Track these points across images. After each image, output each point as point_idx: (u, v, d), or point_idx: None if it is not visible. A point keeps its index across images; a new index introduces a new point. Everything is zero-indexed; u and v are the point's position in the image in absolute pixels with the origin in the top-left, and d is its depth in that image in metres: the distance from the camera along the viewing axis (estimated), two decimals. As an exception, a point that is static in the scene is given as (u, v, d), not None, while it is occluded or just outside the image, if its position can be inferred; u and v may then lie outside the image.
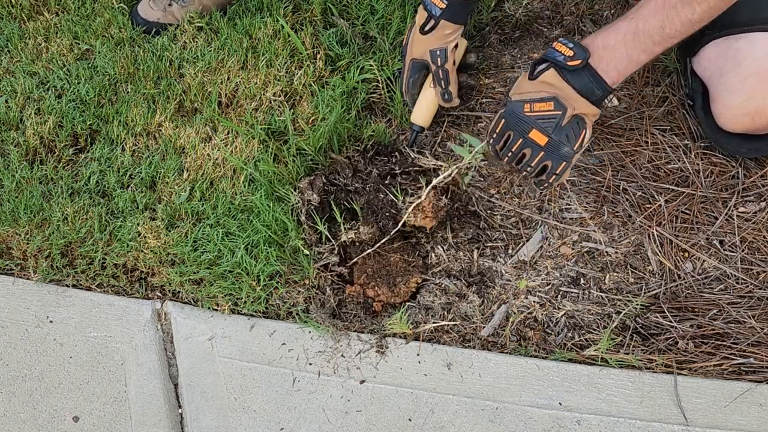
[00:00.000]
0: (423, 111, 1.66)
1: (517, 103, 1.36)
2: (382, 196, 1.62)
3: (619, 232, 1.57)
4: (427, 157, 1.66)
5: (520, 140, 1.37)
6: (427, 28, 1.58)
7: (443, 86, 1.62)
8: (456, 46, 1.61)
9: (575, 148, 1.36)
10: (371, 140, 1.69)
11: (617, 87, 1.36)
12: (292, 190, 1.61)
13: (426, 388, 1.45)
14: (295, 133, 1.70)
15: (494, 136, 1.40)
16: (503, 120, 1.39)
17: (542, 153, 1.36)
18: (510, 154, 1.39)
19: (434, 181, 1.52)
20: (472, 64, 1.75)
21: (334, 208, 1.57)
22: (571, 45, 1.34)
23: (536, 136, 1.35)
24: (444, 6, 1.55)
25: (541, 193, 1.46)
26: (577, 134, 1.36)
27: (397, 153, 1.69)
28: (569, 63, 1.34)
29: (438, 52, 1.59)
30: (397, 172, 1.65)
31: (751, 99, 1.47)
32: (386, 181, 1.64)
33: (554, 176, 1.38)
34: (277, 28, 1.86)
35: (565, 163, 1.36)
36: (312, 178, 1.62)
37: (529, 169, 1.39)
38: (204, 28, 1.91)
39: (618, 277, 1.52)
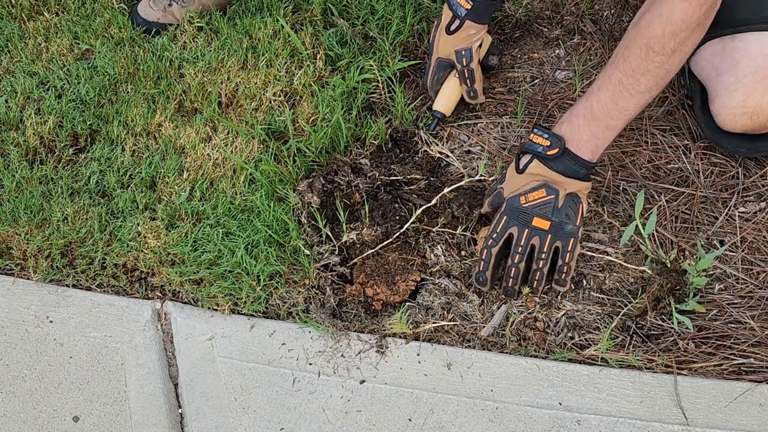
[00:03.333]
0: (445, 100, 1.70)
1: (513, 197, 1.44)
2: (388, 197, 1.63)
3: (619, 232, 1.57)
4: (440, 147, 1.68)
5: (526, 231, 1.42)
6: (452, 28, 1.61)
7: (469, 84, 1.66)
8: (480, 45, 1.64)
9: (577, 223, 1.42)
10: (375, 139, 1.70)
11: (598, 161, 1.44)
12: (291, 192, 1.61)
13: (426, 388, 1.45)
14: (295, 133, 1.71)
15: (494, 236, 1.44)
16: (504, 217, 1.44)
17: (549, 236, 1.42)
18: (520, 250, 1.43)
19: (445, 190, 1.57)
20: (493, 66, 1.77)
21: (338, 208, 1.58)
22: (546, 135, 1.42)
23: (539, 222, 1.42)
24: (469, 6, 1.59)
25: (561, 290, 1.49)
26: (576, 210, 1.43)
27: (401, 150, 1.70)
28: (548, 152, 1.42)
29: (463, 52, 1.63)
30: (400, 174, 1.65)
31: (749, 98, 1.47)
32: (392, 181, 1.64)
33: (568, 254, 1.43)
34: (277, 28, 1.86)
35: (573, 238, 1.42)
36: (311, 180, 1.62)
37: (543, 256, 1.43)
38: (204, 28, 1.91)
39: (618, 277, 1.52)
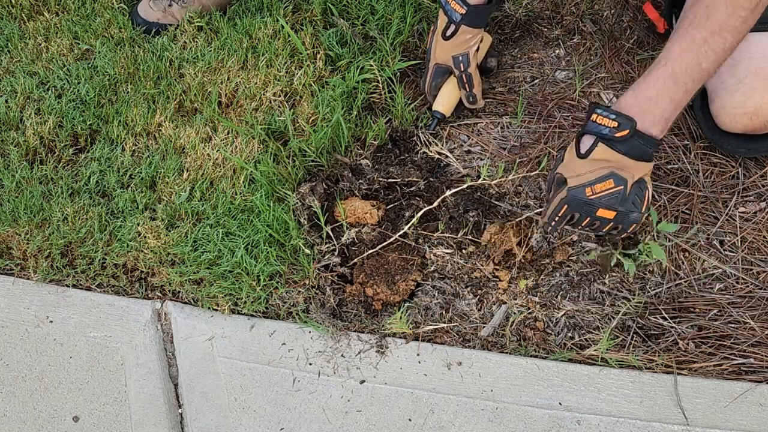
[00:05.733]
0: (445, 100, 1.69)
1: (577, 188, 1.35)
2: (388, 197, 1.63)
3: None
4: (439, 146, 1.68)
5: (588, 218, 1.38)
6: (448, 34, 1.60)
7: (468, 89, 1.65)
8: (478, 49, 1.63)
9: (643, 211, 1.37)
10: (375, 140, 1.70)
11: (664, 138, 1.38)
12: (290, 193, 1.61)
13: (426, 388, 1.45)
14: (295, 133, 1.71)
15: (556, 219, 1.40)
16: (566, 206, 1.37)
17: (612, 223, 1.37)
18: (579, 228, 1.41)
19: (447, 193, 1.57)
20: (491, 69, 1.76)
21: (340, 209, 1.58)
22: (613, 116, 1.32)
23: (604, 213, 1.36)
24: (464, 11, 1.56)
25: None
26: (642, 197, 1.36)
27: (401, 150, 1.69)
28: (616, 135, 1.32)
29: (461, 58, 1.61)
30: (399, 176, 1.65)
31: (749, 98, 1.47)
32: (391, 183, 1.64)
33: (625, 233, 1.40)
34: (277, 28, 1.86)
35: (635, 225, 1.38)
36: (313, 184, 1.62)
37: (602, 233, 1.41)
38: (204, 28, 1.91)
39: (618, 277, 1.52)
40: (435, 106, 1.70)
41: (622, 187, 1.34)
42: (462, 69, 1.62)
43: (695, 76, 1.32)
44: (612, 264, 1.48)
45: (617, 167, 1.34)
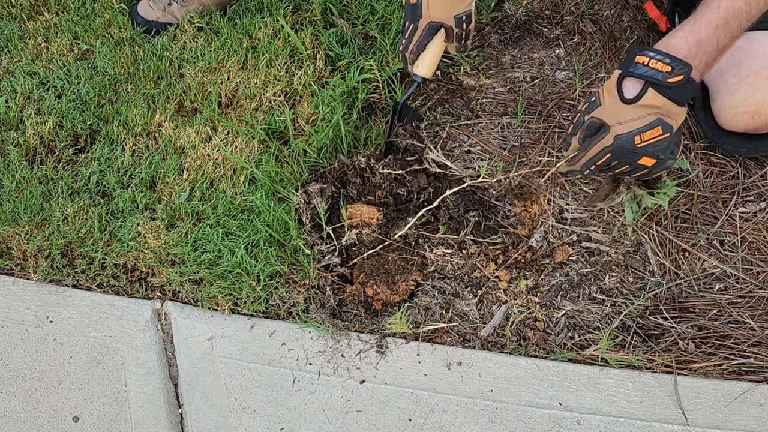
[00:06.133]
0: (429, 62, 1.54)
1: (626, 136, 1.28)
2: (388, 198, 1.63)
3: (619, 232, 1.57)
4: (436, 154, 1.67)
5: (628, 166, 1.32)
6: None
7: (461, 43, 1.53)
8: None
9: (677, 158, 1.33)
10: (376, 140, 1.70)
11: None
12: (294, 192, 1.61)
13: (426, 388, 1.45)
14: (295, 134, 1.71)
15: (593, 167, 1.35)
16: (609, 154, 1.31)
17: (647, 171, 1.33)
18: (612, 174, 1.35)
19: (447, 192, 1.56)
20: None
21: (343, 211, 1.58)
22: (667, 60, 1.25)
23: (646, 161, 1.31)
24: None
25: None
26: (678, 144, 1.32)
27: (402, 150, 1.69)
28: (670, 80, 1.25)
29: (464, 17, 1.49)
30: (399, 176, 1.65)
31: (751, 97, 1.47)
32: (391, 184, 1.64)
33: (651, 178, 1.36)
34: (277, 28, 1.86)
35: (665, 170, 1.34)
36: (324, 185, 1.62)
37: (627, 176, 1.36)
38: (204, 28, 1.91)
39: (618, 277, 1.52)
40: (416, 69, 1.54)
41: (669, 134, 1.28)
42: (464, 27, 1.50)
43: (743, 23, 1.27)
44: (617, 201, 1.44)
45: (664, 113, 1.28)
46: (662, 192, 1.46)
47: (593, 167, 1.34)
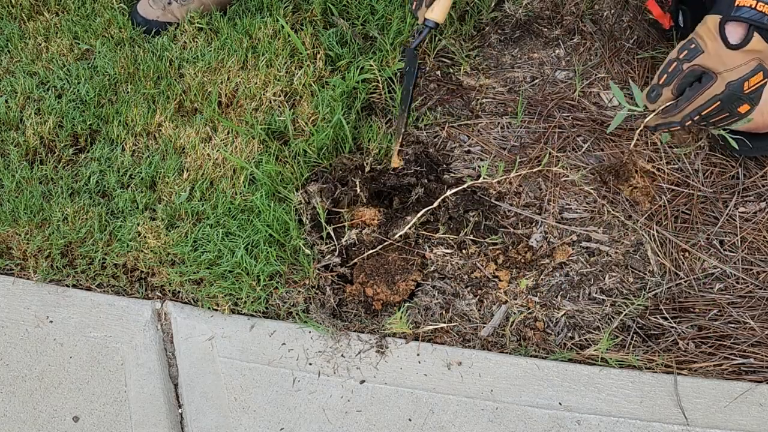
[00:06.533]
0: (441, 5, 1.51)
1: (737, 83, 1.25)
2: (389, 198, 1.63)
3: (619, 232, 1.57)
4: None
5: (727, 114, 1.29)
6: None
7: None
8: None
9: (755, 106, 1.30)
10: (376, 140, 1.70)
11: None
12: (294, 191, 1.61)
13: (426, 388, 1.45)
14: (295, 134, 1.71)
15: (695, 117, 1.29)
16: (719, 102, 1.27)
17: (738, 118, 1.30)
18: (705, 121, 1.31)
19: (447, 193, 1.55)
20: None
21: (344, 212, 1.58)
22: None
23: (743, 108, 1.29)
24: None
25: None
26: (762, 90, 1.29)
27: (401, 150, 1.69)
28: None
29: None
30: (400, 175, 1.65)
31: None
32: (391, 183, 1.64)
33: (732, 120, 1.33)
34: (277, 28, 1.86)
35: (748, 120, 1.31)
36: (324, 185, 1.62)
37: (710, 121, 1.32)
38: (204, 28, 1.91)
39: (618, 277, 1.52)
40: (429, 14, 1.49)
41: (767, 80, 1.26)
42: None
43: None
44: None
45: (764, 58, 1.25)
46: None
47: (696, 117, 1.30)
